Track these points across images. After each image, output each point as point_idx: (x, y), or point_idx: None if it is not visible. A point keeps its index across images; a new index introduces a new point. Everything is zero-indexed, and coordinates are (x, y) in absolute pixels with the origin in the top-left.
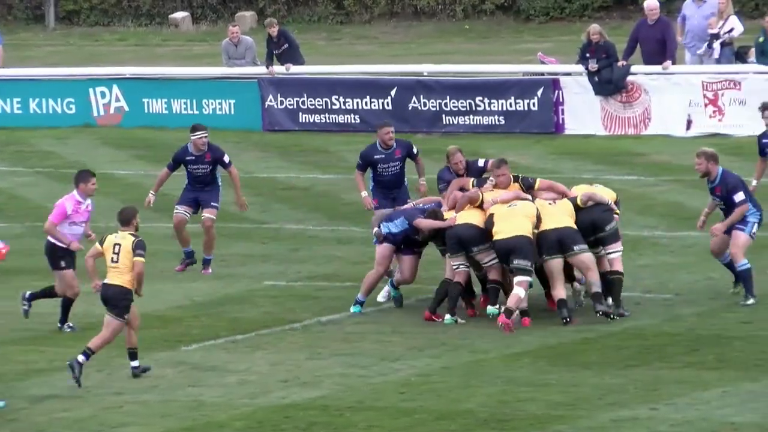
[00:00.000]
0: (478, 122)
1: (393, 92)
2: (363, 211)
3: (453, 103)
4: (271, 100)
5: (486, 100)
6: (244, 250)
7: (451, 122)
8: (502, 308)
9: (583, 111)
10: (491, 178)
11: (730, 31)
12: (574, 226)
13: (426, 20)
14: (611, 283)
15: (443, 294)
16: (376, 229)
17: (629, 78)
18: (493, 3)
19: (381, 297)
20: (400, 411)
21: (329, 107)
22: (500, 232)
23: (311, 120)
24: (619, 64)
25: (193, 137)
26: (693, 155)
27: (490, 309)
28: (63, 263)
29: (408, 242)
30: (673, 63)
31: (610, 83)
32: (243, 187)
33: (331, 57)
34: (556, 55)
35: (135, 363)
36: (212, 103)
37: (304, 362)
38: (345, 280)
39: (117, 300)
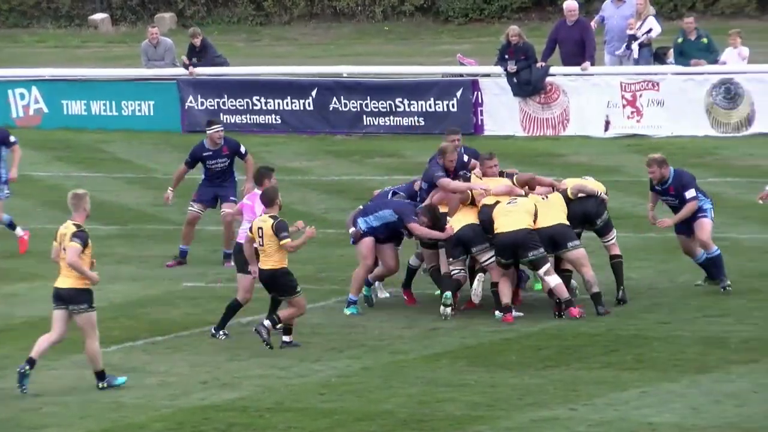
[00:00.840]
0: (398, 123)
1: (314, 93)
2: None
3: (373, 104)
4: (191, 101)
5: (406, 101)
6: (165, 252)
7: (371, 123)
8: (562, 303)
9: (502, 112)
10: (476, 170)
11: (649, 31)
12: (567, 222)
13: (345, 21)
14: (613, 267)
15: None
16: (352, 229)
17: (548, 79)
18: (413, 4)
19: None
20: (319, 412)
21: (250, 108)
22: (502, 227)
23: (232, 121)
24: (538, 65)
25: (209, 131)
26: (611, 156)
27: (498, 315)
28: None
29: (391, 235)
30: (592, 64)
31: (528, 84)
32: (162, 189)
33: (251, 58)
34: (475, 57)
35: (287, 338)
36: (131, 105)
37: (224, 364)
38: None
39: (275, 283)
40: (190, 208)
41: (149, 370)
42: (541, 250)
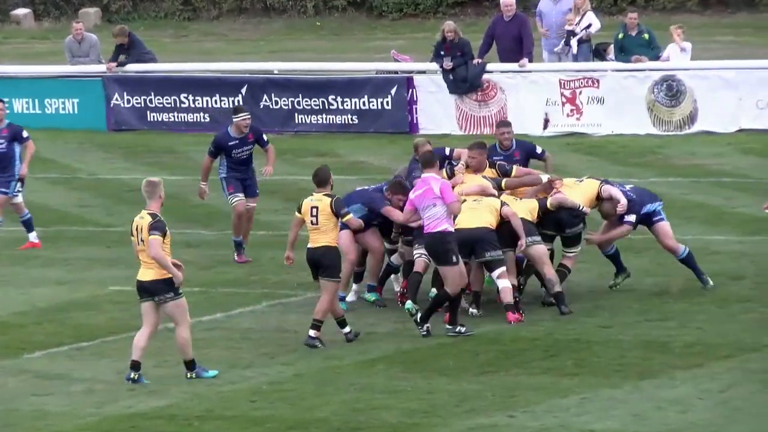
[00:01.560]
0: (331, 121)
1: (244, 90)
2: (213, 213)
3: (306, 101)
4: (117, 99)
5: (339, 99)
6: (89, 254)
7: (303, 121)
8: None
9: (438, 110)
10: (462, 162)
11: (588, 27)
12: (530, 219)
13: (276, 17)
14: (557, 272)
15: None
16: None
17: (485, 76)
18: None
19: (350, 297)
20: (250, 420)
21: (178, 106)
22: (462, 222)
23: (160, 119)
24: (475, 62)
25: (236, 119)
26: (550, 155)
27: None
28: (455, 258)
29: (367, 226)
30: (530, 61)
31: (465, 81)
32: (87, 190)
33: (179, 54)
34: (410, 53)
35: (346, 329)
36: (55, 103)
37: (151, 370)
38: (194, 285)
39: (328, 260)
40: (237, 198)
41: (74, 376)
42: (500, 252)
